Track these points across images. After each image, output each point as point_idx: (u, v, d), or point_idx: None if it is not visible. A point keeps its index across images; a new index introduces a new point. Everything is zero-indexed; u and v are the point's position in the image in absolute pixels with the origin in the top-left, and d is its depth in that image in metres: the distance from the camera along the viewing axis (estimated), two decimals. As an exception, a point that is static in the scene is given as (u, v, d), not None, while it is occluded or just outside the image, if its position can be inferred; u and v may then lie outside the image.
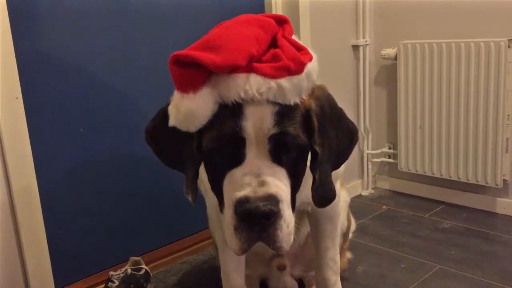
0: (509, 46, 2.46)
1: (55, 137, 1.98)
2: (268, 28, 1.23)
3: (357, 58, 3.02)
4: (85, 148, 2.07)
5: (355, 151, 3.14)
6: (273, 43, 1.24)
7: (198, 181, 1.33)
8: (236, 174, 1.16)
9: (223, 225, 1.21)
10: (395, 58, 2.88)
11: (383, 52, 2.95)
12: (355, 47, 3.00)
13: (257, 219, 1.11)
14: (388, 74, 3.04)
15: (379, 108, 3.15)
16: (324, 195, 1.28)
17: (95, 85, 2.08)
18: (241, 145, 1.15)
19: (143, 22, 2.19)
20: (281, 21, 1.31)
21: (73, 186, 2.06)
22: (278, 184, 1.15)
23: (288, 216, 1.16)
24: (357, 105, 3.08)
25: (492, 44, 2.49)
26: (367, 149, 3.17)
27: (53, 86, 1.95)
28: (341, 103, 1.34)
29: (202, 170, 1.29)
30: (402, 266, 2.24)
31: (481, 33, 2.59)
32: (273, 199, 1.12)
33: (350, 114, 1.37)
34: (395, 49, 2.88)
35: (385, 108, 3.12)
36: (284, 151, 1.18)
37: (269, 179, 1.14)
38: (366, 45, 3.01)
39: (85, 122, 2.06)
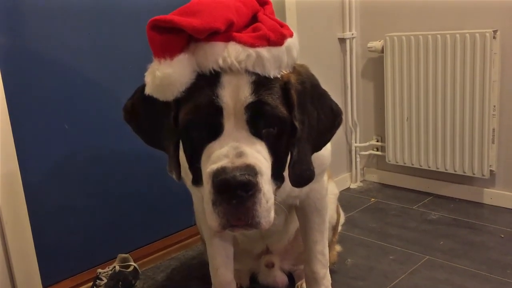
0: (494, 37, 2.48)
1: (40, 134, 1.95)
2: (249, 3, 1.22)
3: (343, 51, 3.02)
4: (71, 144, 2.05)
5: (344, 144, 3.15)
6: (254, 21, 1.22)
7: (183, 175, 1.31)
8: (213, 147, 1.14)
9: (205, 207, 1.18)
10: (382, 51, 2.89)
11: (369, 45, 2.95)
12: (342, 40, 3.00)
13: (234, 190, 1.08)
14: (375, 67, 3.04)
15: (366, 101, 3.16)
16: (301, 174, 1.25)
17: (80, 81, 2.05)
18: (219, 115, 1.13)
19: (129, 19, 2.16)
20: (262, 2, 1.30)
21: (59, 183, 2.04)
22: (257, 156, 1.13)
23: (267, 191, 1.13)
24: (345, 98, 3.08)
25: (477, 35, 2.50)
26: (355, 142, 3.17)
27: (36, 83, 1.92)
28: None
29: (185, 162, 1.27)
30: (391, 257, 2.25)
31: (466, 25, 2.60)
32: (251, 170, 1.09)
33: (337, 107, 1.36)
34: (382, 41, 2.88)
35: (372, 101, 3.13)
36: (263, 123, 1.15)
37: (248, 150, 1.12)
38: (353, 38, 3.01)
39: (70, 118, 2.03)
